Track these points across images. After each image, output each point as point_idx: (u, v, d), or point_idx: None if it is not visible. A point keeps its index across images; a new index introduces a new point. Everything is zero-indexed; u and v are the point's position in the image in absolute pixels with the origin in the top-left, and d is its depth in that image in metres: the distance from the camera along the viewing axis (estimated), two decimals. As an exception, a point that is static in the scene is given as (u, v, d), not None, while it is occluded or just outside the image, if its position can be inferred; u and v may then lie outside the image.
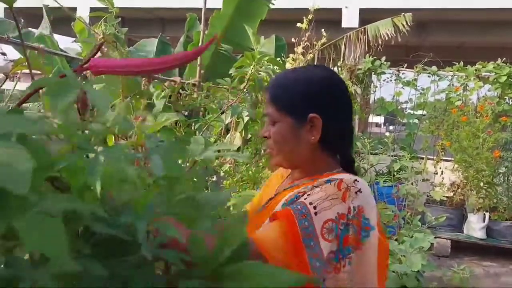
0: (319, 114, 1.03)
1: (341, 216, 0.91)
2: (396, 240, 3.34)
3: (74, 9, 7.87)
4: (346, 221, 0.91)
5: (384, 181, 3.94)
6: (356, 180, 0.98)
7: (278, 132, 1.07)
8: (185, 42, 6.07)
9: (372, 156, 4.41)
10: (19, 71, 1.43)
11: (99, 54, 0.86)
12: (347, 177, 0.99)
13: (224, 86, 2.92)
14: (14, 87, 1.57)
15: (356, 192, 0.94)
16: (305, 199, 0.94)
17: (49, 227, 0.45)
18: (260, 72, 2.81)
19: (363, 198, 0.95)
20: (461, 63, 5.45)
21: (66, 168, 0.52)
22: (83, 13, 7.79)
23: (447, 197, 5.11)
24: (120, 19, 2.01)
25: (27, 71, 1.48)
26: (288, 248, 0.88)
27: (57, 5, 2.26)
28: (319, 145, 1.06)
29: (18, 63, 1.35)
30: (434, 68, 5.59)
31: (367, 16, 7.30)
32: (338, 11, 7.33)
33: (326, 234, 0.89)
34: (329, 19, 6.36)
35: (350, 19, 7.28)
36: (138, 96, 2.21)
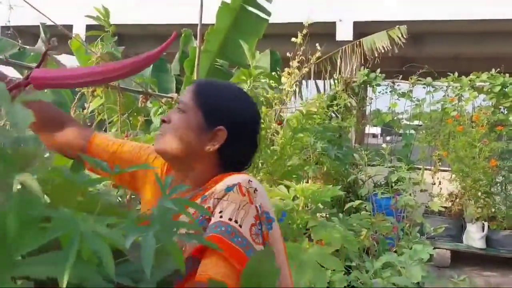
0: (228, 130, 1.06)
1: (256, 218, 0.96)
2: (395, 251, 3.33)
3: (70, 27, 7.93)
4: (260, 220, 0.96)
5: (382, 192, 3.94)
6: (249, 180, 1.01)
7: (184, 122, 1.07)
8: (181, 57, 6.12)
9: (369, 168, 4.42)
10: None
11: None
12: (239, 179, 1.01)
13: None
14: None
15: (254, 191, 0.98)
16: (221, 217, 0.93)
17: None
18: (256, 88, 2.84)
19: (260, 194, 1.00)
20: (456, 74, 5.50)
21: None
22: (79, 30, 7.83)
23: (445, 207, 5.11)
24: (116, 37, 2.03)
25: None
26: (238, 271, 0.86)
27: (53, 23, 2.28)
28: (216, 156, 1.08)
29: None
30: (429, 79, 5.64)
31: (362, 29, 7.36)
32: (332, 24, 7.39)
33: (256, 239, 0.93)
34: (324, 33, 6.42)
35: (344, 32, 7.33)
36: (135, 113, 2.22)
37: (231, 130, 1.07)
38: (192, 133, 1.07)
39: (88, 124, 2.09)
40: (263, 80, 2.73)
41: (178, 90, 5.54)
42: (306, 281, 1.44)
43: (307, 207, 2.02)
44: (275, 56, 5.97)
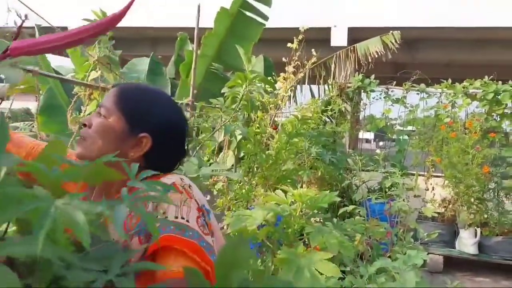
0: (152, 137, 1.05)
1: (198, 210, 0.98)
2: (389, 257, 3.34)
3: (65, 29, 7.91)
4: (202, 212, 0.99)
5: (376, 198, 3.95)
6: (181, 178, 1.03)
7: (105, 127, 1.04)
8: (176, 60, 6.13)
9: (363, 173, 4.44)
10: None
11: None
12: (173, 178, 1.01)
13: (217, 106, 2.94)
14: (10, 106, 1.58)
15: (189, 187, 1.01)
16: (166, 217, 0.93)
17: (5, 283, 0.44)
18: (252, 92, 2.85)
19: (195, 190, 1.02)
20: (449, 80, 5.54)
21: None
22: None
23: (438, 213, 5.13)
24: (114, 41, 2.03)
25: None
26: (198, 261, 0.88)
27: (49, 25, 2.27)
28: (141, 161, 1.05)
29: (14, 86, 1.36)
30: (422, 85, 5.68)
31: (356, 35, 7.42)
32: (327, 30, 7.44)
33: (204, 230, 0.95)
34: (318, 38, 6.45)
35: (339, 38, 7.38)
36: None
37: (156, 137, 1.05)
38: (114, 139, 1.03)
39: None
40: (258, 85, 2.73)
41: (173, 94, 5.53)
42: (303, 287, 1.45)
43: (301, 211, 2.02)
44: (267, 62, 5.99)
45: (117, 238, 0.93)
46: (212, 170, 1.76)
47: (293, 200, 1.89)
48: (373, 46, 5.49)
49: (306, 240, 2.20)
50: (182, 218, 0.94)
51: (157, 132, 1.06)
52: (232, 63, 5.29)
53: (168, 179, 1.01)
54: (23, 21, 0.83)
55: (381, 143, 23.13)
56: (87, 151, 1.04)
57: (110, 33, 1.98)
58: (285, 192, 1.95)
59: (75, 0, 7.87)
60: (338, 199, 2.13)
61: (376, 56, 5.45)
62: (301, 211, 1.91)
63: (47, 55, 5.00)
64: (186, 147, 1.15)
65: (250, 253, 0.60)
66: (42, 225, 0.46)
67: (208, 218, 1.01)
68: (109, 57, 1.94)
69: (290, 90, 4.00)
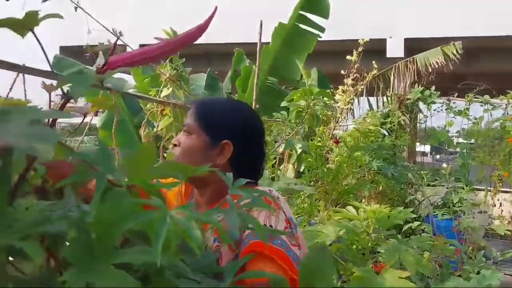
0: (233, 142, 1.10)
1: (286, 221, 1.00)
2: (459, 275, 3.19)
3: (123, 47, 8.21)
4: (289, 223, 1.01)
5: (442, 214, 3.79)
6: (269, 189, 1.05)
7: (190, 144, 1.12)
8: (233, 76, 6.20)
9: (428, 188, 4.28)
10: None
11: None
12: (262, 190, 1.02)
13: (278, 119, 2.93)
14: (90, 121, 1.63)
15: (277, 199, 1.03)
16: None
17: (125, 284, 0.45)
18: (315, 106, 2.82)
19: (283, 202, 1.05)
20: (516, 91, 5.28)
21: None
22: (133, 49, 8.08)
23: (509, 230, 4.86)
24: (184, 59, 2.07)
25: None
26: (286, 269, 0.89)
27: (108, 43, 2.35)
28: (228, 168, 1.10)
29: (97, 102, 1.41)
30: (486, 97, 5.43)
31: (412, 45, 7.24)
32: (383, 41, 7.31)
33: (291, 241, 0.96)
34: (373, 49, 6.34)
35: (395, 49, 7.23)
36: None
37: (236, 141, 1.11)
38: (199, 152, 1.11)
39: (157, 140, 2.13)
40: (323, 99, 2.70)
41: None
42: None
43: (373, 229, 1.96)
44: (320, 74, 5.96)
45: (210, 245, 0.97)
46: (288, 184, 1.74)
47: (366, 217, 1.83)
48: (433, 57, 5.32)
49: (372, 258, 2.13)
50: (271, 226, 0.96)
51: (236, 136, 1.12)
52: (287, 76, 5.30)
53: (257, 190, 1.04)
54: (118, 38, 0.86)
55: (438, 156, 22.34)
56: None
57: (180, 52, 2.02)
58: (356, 208, 1.90)
59: (147, 19, 8.18)
60: (413, 215, 2.04)
61: (437, 67, 5.28)
62: (372, 228, 1.85)
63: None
64: (264, 148, 1.19)
65: (332, 262, 0.60)
66: (159, 234, 0.48)
67: (296, 231, 1.02)
68: (179, 74, 1.98)
69: (349, 103, 3.93)
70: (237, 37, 7.35)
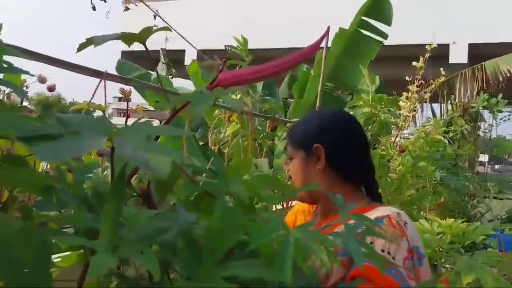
0: (322, 144, 1.11)
1: (408, 251, 0.94)
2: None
3: (183, 52, 8.39)
4: (412, 254, 0.95)
5: (510, 229, 3.60)
6: (398, 212, 1.01)
7: (293, 166, 1.16)
8: (289, 81, 6.19)
9: (495, 201, 4.08)
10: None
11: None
12: (388, 211, 1.01)
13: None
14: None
15: (404, 225, 0.98)
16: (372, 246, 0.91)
17: None
18: (382, 113, 2.76)
19: (411, 228, 0.99)
20: None
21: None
22: (191, 55, 8.26)
23: None
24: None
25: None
26: None
27: (169, 49, 2.39)
28: (336, 176, 1.10)
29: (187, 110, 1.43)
30: (559, 105, 5.14)
31: (477, 51, 6.96)
32: (445, 46, 7.07)
33: (409, 273, 0.91)
34: (436, 55, 6.14)
35: (458, 55, 6.98)
36: (265, 139, 2.26)
37: (324, 142, 1.12)
38: (302, 168, 1.14)
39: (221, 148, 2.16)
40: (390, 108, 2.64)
41: (285, 114, 5.59)
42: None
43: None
44: (380, 80, 5.82)
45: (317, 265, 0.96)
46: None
47: (443, 232, 1.76)
48: (504, 64, 5.09)
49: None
50: (389, 253, 0.93)
51: (325, 139, 1.13)
52: (346, 81, 5.22)
53: (385, 210, 1.03)
54: (229, 55, 0.87)
55: (496, 166, 21.37)
56: (301, 194, 1.16)
57: (250, 59, 2.03)
58: (431, 221, 1.83)
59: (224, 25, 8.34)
60: (493, 232, 1.95)
61: (508, 75, 5.04)
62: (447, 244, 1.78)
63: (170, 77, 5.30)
64: (367, 155, 1.19)
65: None
66: (286, 254, 0.48)
67: (419, 263, 0.97)
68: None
69: (413, 110, 3.82)
70: (293, 42, 7.35)
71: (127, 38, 0.65)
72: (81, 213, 0.61)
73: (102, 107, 1.45)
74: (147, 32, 0.66)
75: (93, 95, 1.52)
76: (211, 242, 0.52)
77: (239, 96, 2.00)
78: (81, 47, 0.66)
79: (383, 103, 2.43)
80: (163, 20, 1.71)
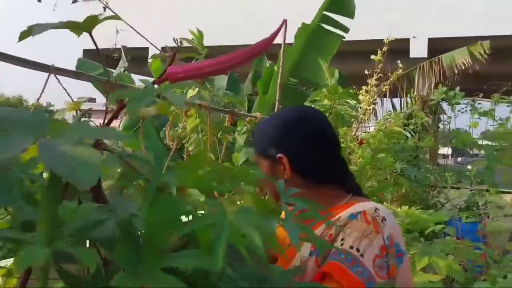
0: (285, 153, 1.07)
1: (382, 249, 0.91)
2: (484, 280, 3.12)
3: (146, 49, 8.28)
4: (387, 252, 0.91)
5: (466, 217, 3.73)
6: (376, 208, 0.98)
7: (263, 173, 1.12)
8: (253, 77, 6.20)
9: (452, 191, 4.21)
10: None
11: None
12: (365, 206, 0.98)
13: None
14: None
15: (382, 221, 0.95)
16: (342, 245, 0.90)
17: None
18: (339, 105, 2.79)
19: (390, 224, 0.96)
20: (544, 91, 5.16)
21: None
22: (154, 52, 8.15)
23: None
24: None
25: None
26: None
27: (130, 46, 2.36)
28: (307, 182, 1.06)
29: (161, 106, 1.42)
30: (513, 97, 5.33)
31: (436, 45, 7.14)
32: (406, 41, 7.22)
33: (379, 272, 0.88)
34: (396, 49, 6.27)
35: (418, 49, 7.14)
36: (224, 133, 2.25)
37: (285, 150, 1.08)
38: (270, 177, 1.09)
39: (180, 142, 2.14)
40: (348, 100, 2.68)
41: (249, 110, 5.60)
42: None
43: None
44: (341, 75, 5.89)
45: (303, 257, 0.96)
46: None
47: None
48: (459, 57, 5.24)
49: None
50: (358, 250, 0.89)
51: (286, 147, 1.09)
52: (309, 76, 5.27)
53: (361, 206, 1.00)
54: (179, 46, 0.84)
55: (459, 159, 21.99)
56: (276, 200, 1.08)
57: (206, 52, 2.02)
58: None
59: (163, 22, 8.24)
60: (447, 218, 2.01)
61: (463, 67, 5.19)
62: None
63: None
64: (334, 150, 1.13)
65: None
66: (219, 240, 0.47)
67: (399, 261, 0.94)
68: (205, 74, 1.97)
69: (372, 104, 3.89)
70: (256, 39, 7.36)
71: (71, 26, 0.62)
72: (18, 208, 0.59)
73: (74, 106, 1.42)
74: (92, 20, 0.63)
75: (42, 91, 1.49)
76: (149, 234, 0.51)
77: (196, 89, 1.99)
78: (23, 35, 0.63)
79: (337, 94, 2.45)
80: (113, 12, 1.67)
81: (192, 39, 1.98)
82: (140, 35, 1.84)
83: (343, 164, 1.15)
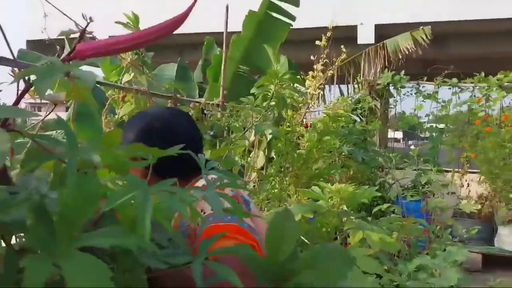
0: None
1: (234, 197, 1.00)
2: (427, 254, 3.27)
3: (93, 39, 8.05)
4: (237, 200, 1.00)
5: (411, 195, 3.87)
6: (211, 177, 1.06)
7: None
8: (203, 65, 6.16)
9: (397, 171, 4.36)
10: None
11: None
12: (202, 181, 1.03)
13: (247, 105, 2.94)
14: (48, 114, 1.60)
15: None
16: (204, 213, 0.99)
17: (95, 271, 0.43)
18: (282, 90, 2.83)
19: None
20: (482, 74, 5.40)
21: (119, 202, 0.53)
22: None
23: (475, 210, 5.00)
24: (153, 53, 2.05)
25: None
26: (241, 239, 0.94)
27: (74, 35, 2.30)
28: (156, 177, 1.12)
29: (72, 91, 1.37)
30: (454, 80, 5.55)
31: (383, 31, 7.32)
32: (354, 28, 7.36)
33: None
34: (345, 37, 6.38)
35: (366, 36, 7.29)
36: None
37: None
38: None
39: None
40: (288, 84, 2.71)
41: (200, 97, 5.56)
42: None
43: (338, 208, 1.99)
44: (291, 63, 5.96)
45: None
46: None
47: (332, 197, 1.86)
48: (403, 42, 5.39)
49: (339, 238, 2.17)
50: (203, 212, 0.99)
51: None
52: (259, 64, 5.29)
53: (200, 181, 1.03)
54: (88, 24, 0.82)
55: (410, 142, 22.76)
56: None
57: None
58: (322, 188, 1.92)
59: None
60: (379, 194, 2.08)
61: (407, 52, 5.35)
62: (338, 208, 1.88)
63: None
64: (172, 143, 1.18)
65: (297, 226, 0.64)
66: (145, 214, 0.48)
67: (248, 208, 1.09)
68: (142, 59, 1.96)
69: (319, 89, 3.95)
70: (207, 27, 7.29)
71: None
72: None
73: None
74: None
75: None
76: (64, 214, 0.49)
77: (132, 74, 1.96)
78: None
79: (279, 78, 2.48)
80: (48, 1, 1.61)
81: (127, 22, 1.95)
82: (72, 20, 1.78)
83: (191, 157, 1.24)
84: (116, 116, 2.00)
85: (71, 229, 0.48)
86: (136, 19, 1.98)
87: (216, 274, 0.55)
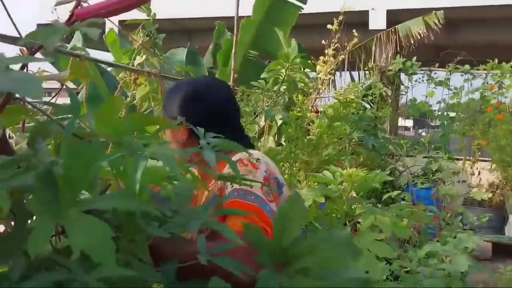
0: (184, 116, 1.14)
1: (265, 179, 1.07)
2: (437, 241, 3.25)
3: (103, 24, 8.03)
4: (268, 182, 1.07)
5: (421, 182, 3.85)
6: (249, 153, 1.08)
7: (167, 134, 1.22)
8: (214, 50, 6.11)
9: (408, 158, 4.33)
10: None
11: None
12: (240, 155, 1.09)
13: (258, 89, 2.92)
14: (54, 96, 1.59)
15: (257, 161, 1.10)
16: (232, 186, 1.03)
17: (97, 231, 0.45)
18: (293, 74, 2.80)
19: (264, 162, 1.11)
20: (495, 60, 5.31)
21: (117, 167, 0.55)
22: (111, 26, 7.93)
23: (486, 198, 4.96)
24: (157, 24, 2.03)
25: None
26: (255, 220, 0.95)
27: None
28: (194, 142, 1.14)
29: (73, 69, 1.37)
30: (467, 66, 5.47)
31: (394, 17, 7.21)
32: (365, 13, 7.26)
33: (268, 197, 1.03)
34: (356, 22, 6.30)
35: (377, 21, 7.20)
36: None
37: (185, 115, 1.15)
38: (173, 136, 1.20)
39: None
40: (299, 68, 2.68)
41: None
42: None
43: (350, 193, 1.97)
44: (301, 48, 5.90)
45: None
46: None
47: (343, 181, 1.84)
48: (415, 27, 5.31)
49: (348, 224, 2.16)
50: (246, 184, 0.99)
51: (181, 111, 1.18)
52: (269, 49, 5.25)
53: (236, 156, 1.09)
54: None
55: (420, 131, 22.59)
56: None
57: (153, 16, 1.97)
58: (333, 172, 1.91)
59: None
60: (390, 178, 2.07)
61: (419, 37, 5.27)
62: (349, 193, 1.86)
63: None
64: (224, 118, 1.21)
65: (304, 211, 0.64)
66: (136, 171, 0.50)
67: (280, 191, 1.10)
68: (153, 41, 1.94)
69: (330, 74, 3.92)
70: (218, 11, 7.24)
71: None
72: None
73: None
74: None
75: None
76: (67, 177, 0.50)
77: (144, 57, 1.95)
78: None
79: (289, 61, 2.45)
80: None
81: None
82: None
83: (239, 131, 1.27)
84: (128, 99, 1.99)
85: (74, 192, 0.49)
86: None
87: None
